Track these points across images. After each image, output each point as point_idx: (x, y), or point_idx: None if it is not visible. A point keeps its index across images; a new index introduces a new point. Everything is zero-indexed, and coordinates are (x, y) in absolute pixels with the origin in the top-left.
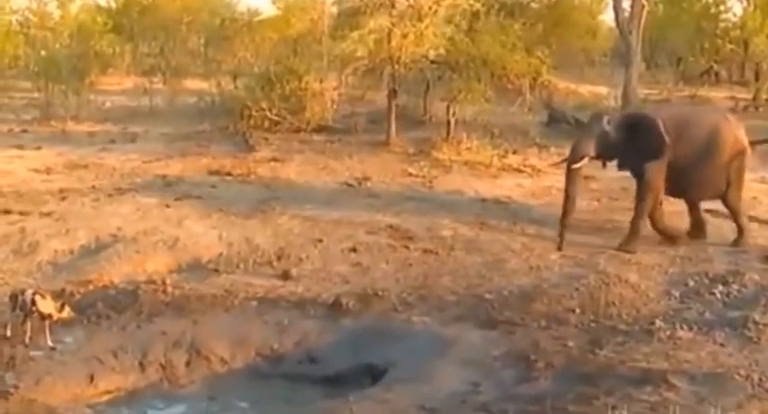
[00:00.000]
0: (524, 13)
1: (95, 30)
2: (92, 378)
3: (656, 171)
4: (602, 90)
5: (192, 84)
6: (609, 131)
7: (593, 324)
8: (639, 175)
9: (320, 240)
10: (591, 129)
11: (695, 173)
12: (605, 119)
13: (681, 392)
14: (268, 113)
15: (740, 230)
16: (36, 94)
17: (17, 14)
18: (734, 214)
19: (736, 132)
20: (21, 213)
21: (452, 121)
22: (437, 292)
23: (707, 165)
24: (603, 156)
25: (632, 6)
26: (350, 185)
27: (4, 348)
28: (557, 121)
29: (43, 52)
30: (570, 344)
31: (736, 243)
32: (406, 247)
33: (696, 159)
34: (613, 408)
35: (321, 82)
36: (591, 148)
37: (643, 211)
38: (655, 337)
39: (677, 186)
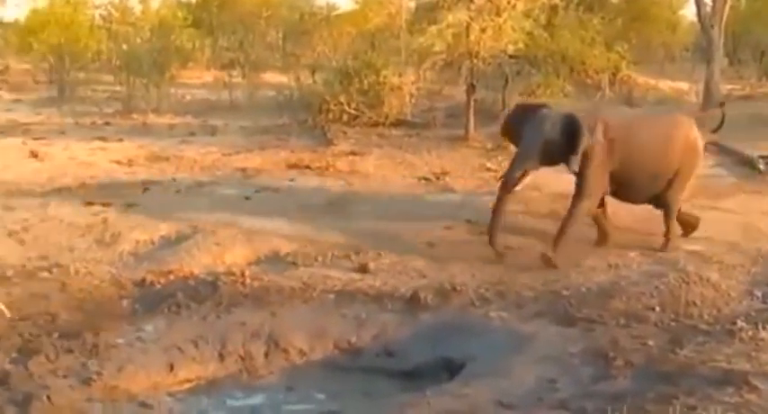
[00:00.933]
0: (603, 7)
1: (176, 24)
2: (172, 367)
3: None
4: (683, 86)
5: (271, 77)
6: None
7: (673, 323)
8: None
9: (397, 234)
10: (532, 136)
11: (639, 178)
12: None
13: (763, 394)
14: (346, 107)
15: (667, 233)
16: (118, 88)
17: (100, 10)
18: (665, 216)
19: (689, 136)
20: (103, 205)
21: None
22: (515, 288)
23: (652, 170)
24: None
25: (714, 0)
26: (427, 180)
27: (88, 336)
28: None
29: (125, 47)
30: (650, 342)
31: (661, 247)
32: (484, 243)
33: (641, 165)
34: (693, 408)
35: (399, 76)
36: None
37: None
38: (736, 337)
39: (621, 192)
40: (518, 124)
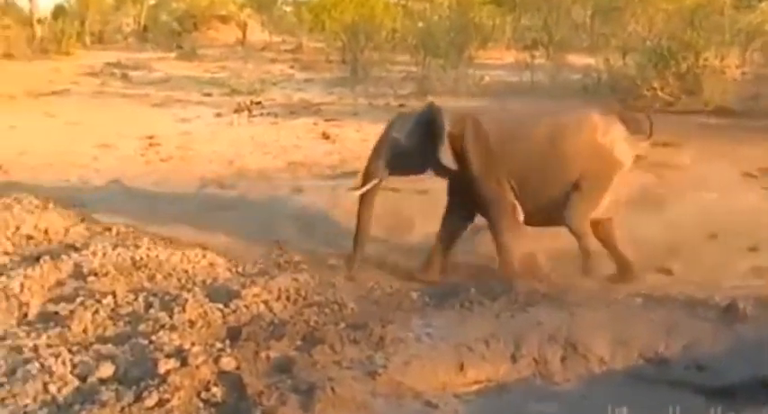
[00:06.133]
0: None
1: (475, 1)
2: (461, 366)
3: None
4: None
5: (577, 59)
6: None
7: None
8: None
9: (715, 235)
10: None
11: (532, 191)
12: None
13: None
14: (660, 93)
15: (584, 255)
16: (413, 68)
17: None
18: (575, 236)
19: (596, 140)
20: (393, 190)
21: None
22: None
23: (547, 181)
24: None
25: None
26: (752, 176)
27: (375, 328)
28: None
29: (421, 25)
30: None
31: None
32: None
33: (532, 173)
34: None
35: (722, 59)
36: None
37: None
38: None
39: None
40: None
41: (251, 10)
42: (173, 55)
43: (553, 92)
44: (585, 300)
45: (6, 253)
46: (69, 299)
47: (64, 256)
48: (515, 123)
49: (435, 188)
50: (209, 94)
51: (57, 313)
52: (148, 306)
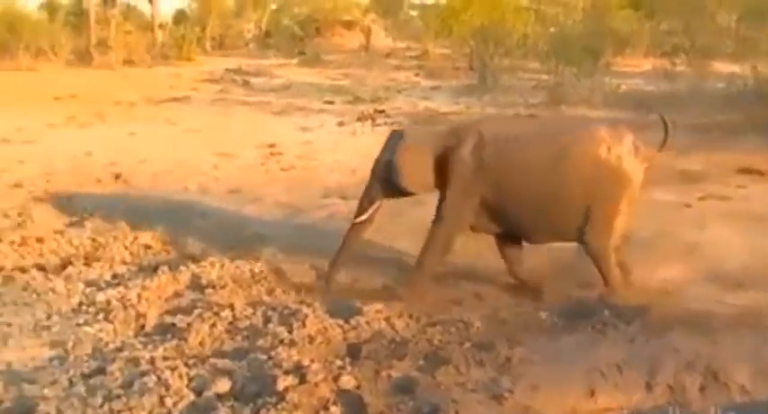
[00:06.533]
0: None
1: (611, 5)
2: (592, 392)
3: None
4: None
5: (722, 66)
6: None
7: None
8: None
9: None
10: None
11: (523, 209)
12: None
13: None
14: None
15: (605, 282)
16: (544, 76)
17: None
18: (596, 262)
19: (601, 154)
20: None
21: None
22: None
23: (548, 197)
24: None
25: None
26: None
27: (502, 349)
28: None
29: (553, 30)
30: None
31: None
32: None
33: (531, 189)
34: None
35: None
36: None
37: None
38: None
39: (506, 224)
40: None
41: (375, 15)
42: (294, 61)
43: (695, 101)
44: (728, 326)
45: (124, 263)
46: (187, 311)
47: (182, 268)
48: (516, 137)
49: None
50: (331, 102)
51: (174, 325)
52: (267, 320)
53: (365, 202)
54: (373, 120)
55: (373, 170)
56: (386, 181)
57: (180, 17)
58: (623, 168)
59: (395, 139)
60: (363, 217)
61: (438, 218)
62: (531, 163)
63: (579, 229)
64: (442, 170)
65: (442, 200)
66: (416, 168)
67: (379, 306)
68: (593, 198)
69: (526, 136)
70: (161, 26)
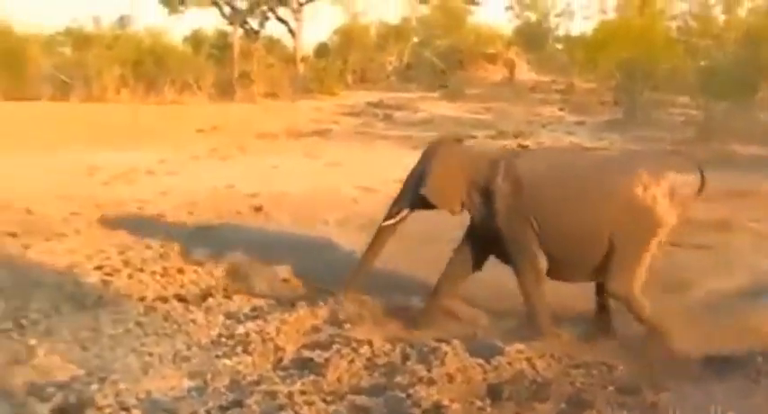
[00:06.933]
0: None
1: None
2: None
3: None
4: None
5: None
6: None
7: None
8: None
9: None
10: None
11: (555, 243)
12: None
13: None
14: None
15: (640, 322)
16: (693, 111)
17: (677, 20)
18: (627, 306)
19: (636, 190)
20: (673, 245)
21: None
22: None
23: (580, 234)
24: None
25: None
26: None
27: (647, 393)
28: None
29: (704, 63)
30: None
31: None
32: None
33: (564, 224)
34: None
35: None
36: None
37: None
38: None
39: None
40: None
41: (519, 48)
42: (436, 94)
43: None
44: None
45: (263, 296)
46: (325, 346)
47: (320, 302)
48: (552, 169)
49: (719, 243)
50: (473, 137)
51: (312, 360)
52: (406, 357)
53: (394, 209)
54: None
55: (407, 179)
56: (415, 190)
57: (322, 50)
58: (656, 210)
59: (431, 150)
60: (390, 222)
61: (512, 254)
62: (565, 197)
63: (606, 268)
64: (471, 195)
65: (500, 239)
66: (445, 184)
67: (520, 346)
68: (621, 237)
69: (563, 170)
70: (303, 59)
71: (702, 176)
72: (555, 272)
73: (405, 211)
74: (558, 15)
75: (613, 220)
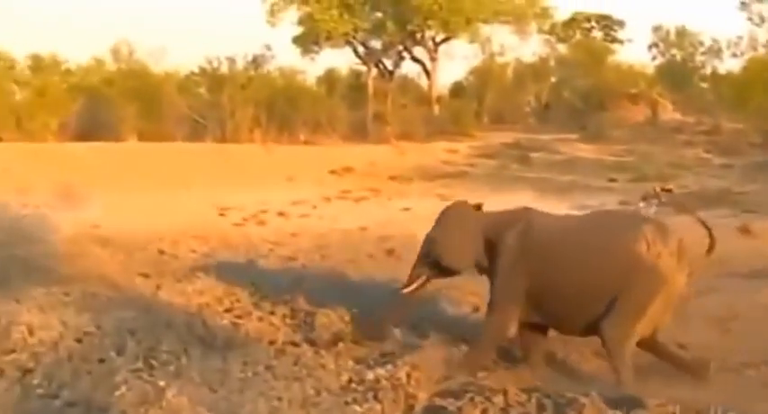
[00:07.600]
0: None
1: None
2: None
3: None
4: None
5: None
6: None
7: None
8: None
9: None
10: None
11: (559, 297)
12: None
13: None
14: None
15: (617, 378)
16: None
17: None
18: (609, 355)
19: (642, 254)
20: None
21: None
22: None
23: (584, 289)
24: None
25: None
26: None
27: None
28: None
29: None
30: None
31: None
32: None
33: (569, 279)
34: None
35: None
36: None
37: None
38: None
39: (543, 314)
40: None
41: (662, 87)
42: (575, 136)
43: None
44: None
45: (393, 342)
46: (457, 394)
47: (453, 349)
48: (563, 228)
49: None
50: (614, 180)
51: (444, 408)
52: (541, 408)
53: (413, 276)
54: (658, 198)
55: (422, 245)
56: (428, 256)
57: (457, 90)
58: (659, 267)
59: (442, 216)
60: (409, 289)
61: (490, 305)
62: (572, 252)
63: (602, 319)
64: (487, 254)
65: (491, 286)
66: (458, 245)
67: (661, 400)
68: (621, 291)
69: (571, 226)
70: (438, 100)
71: (711, 236)
72: (560, 326)
73: (423, 278)
74: (704, 53)
75: (616, 275)
